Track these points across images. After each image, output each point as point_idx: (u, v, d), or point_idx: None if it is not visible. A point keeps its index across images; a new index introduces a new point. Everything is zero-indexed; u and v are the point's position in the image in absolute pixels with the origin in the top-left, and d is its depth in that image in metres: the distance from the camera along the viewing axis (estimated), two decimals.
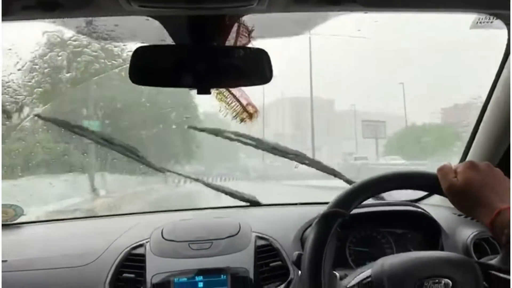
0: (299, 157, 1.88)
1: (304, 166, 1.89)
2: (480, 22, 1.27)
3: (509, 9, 1.01)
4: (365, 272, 1.04)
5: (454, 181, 0.96)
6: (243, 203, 1.88)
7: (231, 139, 1.92)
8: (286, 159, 1.88)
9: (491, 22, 1.24)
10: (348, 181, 1.81)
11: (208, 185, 1.92)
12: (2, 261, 1.45)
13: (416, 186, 1.14)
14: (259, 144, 1.89)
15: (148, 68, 1.13)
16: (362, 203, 1.09)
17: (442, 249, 1.52)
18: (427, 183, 1.08)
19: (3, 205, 1.95)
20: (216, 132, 1.92)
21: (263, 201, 1.92)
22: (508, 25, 1.30)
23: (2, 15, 0.96)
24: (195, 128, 2.03)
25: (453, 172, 0.98)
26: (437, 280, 0.95)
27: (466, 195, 0.94)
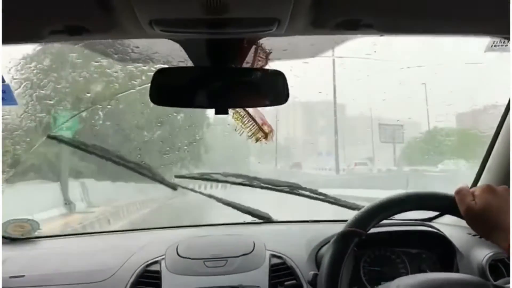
0: (293, 188, 1.88)
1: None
2: (495, 45, 1.28)
3: None
4: None
5: (472, 205, 0.97)
6: (256, 220, 1.89)
7: (218, 181, 1.93)
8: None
9: (506, 45, 1.25)
10: (347, 207, 1.83)
11: (220, 200, 1.94)
12: (20, 276, 1.47)
13: (433, 208, 1.15)
14: (250, 181, 1.89)
15: (168, 89, 1.16)
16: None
17: (457, 270, 1.51)
18: (445, 204, 1.09)
19: (19, 220, 1.99)
20: (205, 177, 1.93)
21: (275, 217, 1.93)
22: None
23: (31, 40, 1.01)
24: (184, 177, 2.02)
25: (470, 195, 0.99)
26: None
27: (484, 219, 0.95)
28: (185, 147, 3.68)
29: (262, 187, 1.89)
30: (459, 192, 1.01)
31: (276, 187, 1.88)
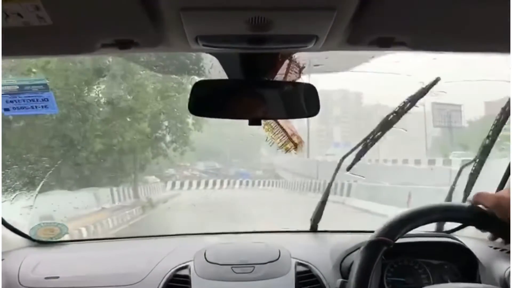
0: None
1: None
2: None
3: None
4: None
5: (499, 194, 1.00)
6: (280, 229, 1.93)
7: None
8: None
9: None
10: None
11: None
12: (55, 277, 1.53)
13: (457, 219, 1.18)
14: None
15: (205, 100, 1.21)
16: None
17: (479, 281, 1.52)
18: (468, 216, 1.12)
19: (49, 224, 2.04)
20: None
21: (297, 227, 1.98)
22: None
23: (83, 52, 1.07)
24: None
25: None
26: None
27: None
28: None
29: None
30: (479, 194, 1.04)
31: None
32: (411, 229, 1.13)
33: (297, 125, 1.48)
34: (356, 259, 1.11)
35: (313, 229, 1.92)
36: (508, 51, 1.08)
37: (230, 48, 1.07)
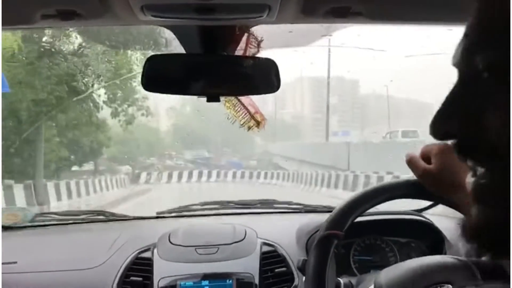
0: (267, 204, 1.94)
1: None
2: None
3: None
4: (369, 286, 1.06)
5: (427, 167, 0.97)
6: (247, 210, 1.91)
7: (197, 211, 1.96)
8: None
9: None
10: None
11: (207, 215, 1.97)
12: (12, 262, 1.48)
13: (401, 196, 1.15)
14: (226, 206, 1.95)
15: (160, 76, 1.17)
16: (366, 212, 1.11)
17: None
18: (409, 191, 1.10)
19: (12, 208, 1.98)
20: (184, 210, 1.94)
21: (265, 208, 1.95)
22: None
23: (23, 23, 1.01)
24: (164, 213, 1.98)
25: (421, 159, 1.00)
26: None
27: (440, 179, 0.96)
28: None
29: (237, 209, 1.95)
30: (409, 160, 1.02)
31: (251, 206, 1.93)
32: (358, 216, 1.11)
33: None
34: (309, 257, 1.08)
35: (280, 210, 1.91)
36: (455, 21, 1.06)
37: (180, 18, 1.03)
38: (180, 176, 9.31)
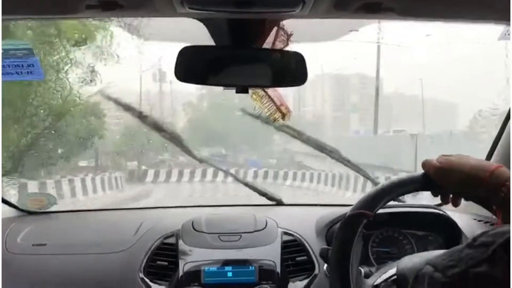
0: (334, 153, 2.03)
1: None
2: (508, 34, 1.31)
3: None
4: (390, 270, 1.08)
5: (438, 164, 1.02)
6: (269, 202, 1.95)
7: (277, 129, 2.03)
8: None
9: None
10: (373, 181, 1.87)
11: (239, 180, 1.99)
12: (42, 244, 1.54)
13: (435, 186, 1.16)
14: (300, 136, 2.03)
15: (191, 66, 1.20)
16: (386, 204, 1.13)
17: None
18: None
19: (37, 194, 2.04)
20: (267, 121, 1.96)
21: (287, 201, 1.99)
22: None
23: (68, 13, 1.05)
24: (249, 114, 2.03)
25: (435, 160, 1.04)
26: None
27: (450, 173, 1.00)
28: None
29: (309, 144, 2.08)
30: (424, 163, 1.05)
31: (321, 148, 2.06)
32: (391, 199, 1.12)
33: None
34: (336, 234, 1.09)
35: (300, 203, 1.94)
36: (503, 19, 1.07)
37: (216, 11, 1.06)
38: (192, 175, 8.04)
